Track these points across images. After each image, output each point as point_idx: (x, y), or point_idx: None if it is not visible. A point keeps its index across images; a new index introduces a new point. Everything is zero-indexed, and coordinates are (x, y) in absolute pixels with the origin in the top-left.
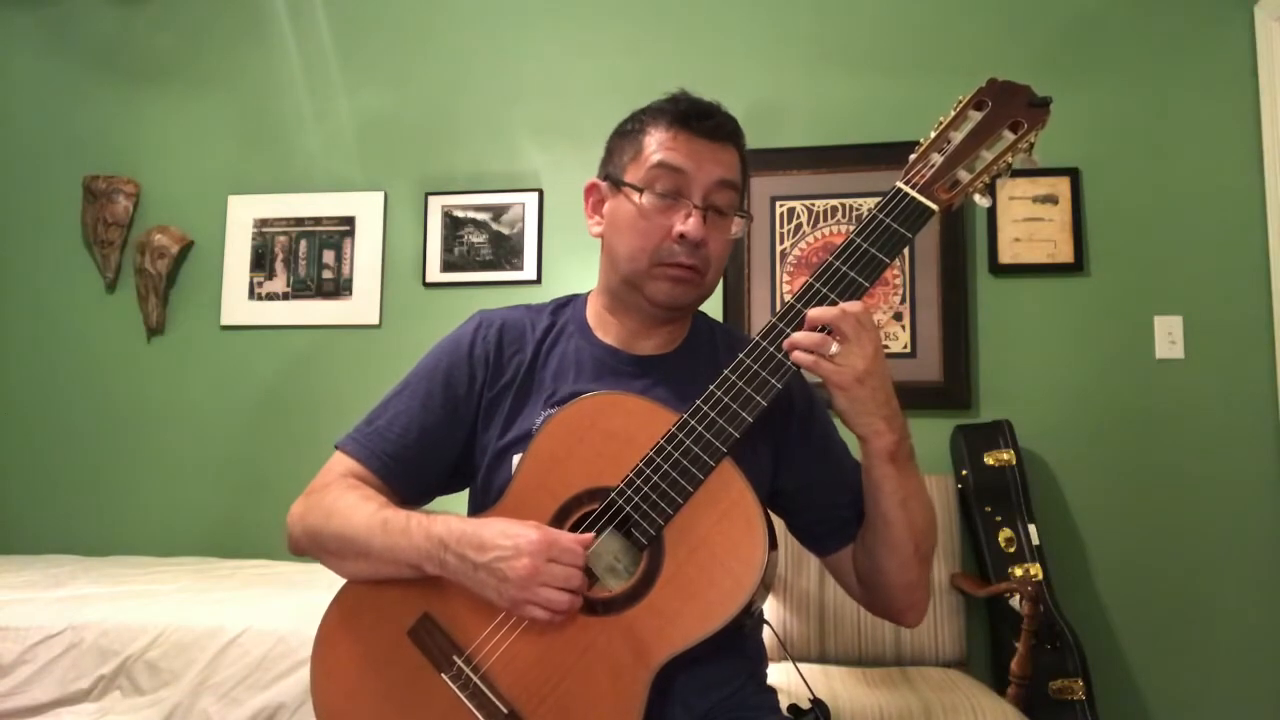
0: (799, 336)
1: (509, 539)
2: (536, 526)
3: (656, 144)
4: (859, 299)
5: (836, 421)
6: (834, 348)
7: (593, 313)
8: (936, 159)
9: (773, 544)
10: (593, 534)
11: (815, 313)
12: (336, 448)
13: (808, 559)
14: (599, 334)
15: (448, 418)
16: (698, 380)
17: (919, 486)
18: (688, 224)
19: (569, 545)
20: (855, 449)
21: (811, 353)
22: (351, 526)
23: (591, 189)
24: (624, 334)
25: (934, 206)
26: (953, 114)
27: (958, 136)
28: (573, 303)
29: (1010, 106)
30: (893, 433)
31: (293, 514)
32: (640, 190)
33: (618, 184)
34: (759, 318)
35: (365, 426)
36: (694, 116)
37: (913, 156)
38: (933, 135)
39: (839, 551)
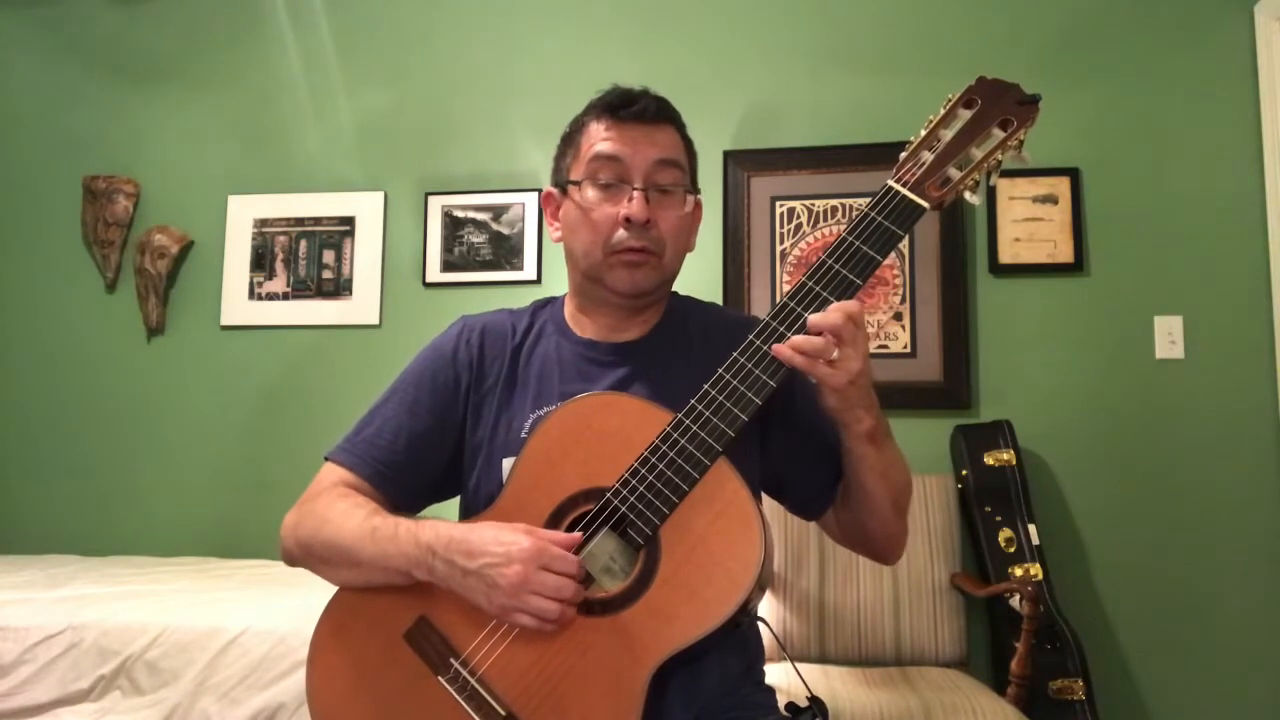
0: (799, 341)
1: (500, 545)
2: (529, 531)
3: (592, 138)
4: (852, 297)
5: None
6: (834, 353)
7: (569, 313)
8: (927, 157)
9: (768, 543)
10: (580, 534)
11: (817, 319)
12: (326, 459)
13: (807, 559)
14: (577, 331)
15: (436, 422)
16: (669, 363)
17: (895, 455)
18: (630, 206)
19: (562, 554)
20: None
21: (809, 356)
22: (342, 535)
23: (547, 198)
24: (601, 329)
25: (925, 204)
26: (942, 112)
27: (948, 134)
28: (551, 304)
29: (999, 104)
30: (871, 418)
31: (286, 525)
32: (583, 184)
33: (565, 186)
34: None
35: (354, 436)
36: (622, 104)
37: (903, 155)
38: (923, 133)
39: (826, 512)
